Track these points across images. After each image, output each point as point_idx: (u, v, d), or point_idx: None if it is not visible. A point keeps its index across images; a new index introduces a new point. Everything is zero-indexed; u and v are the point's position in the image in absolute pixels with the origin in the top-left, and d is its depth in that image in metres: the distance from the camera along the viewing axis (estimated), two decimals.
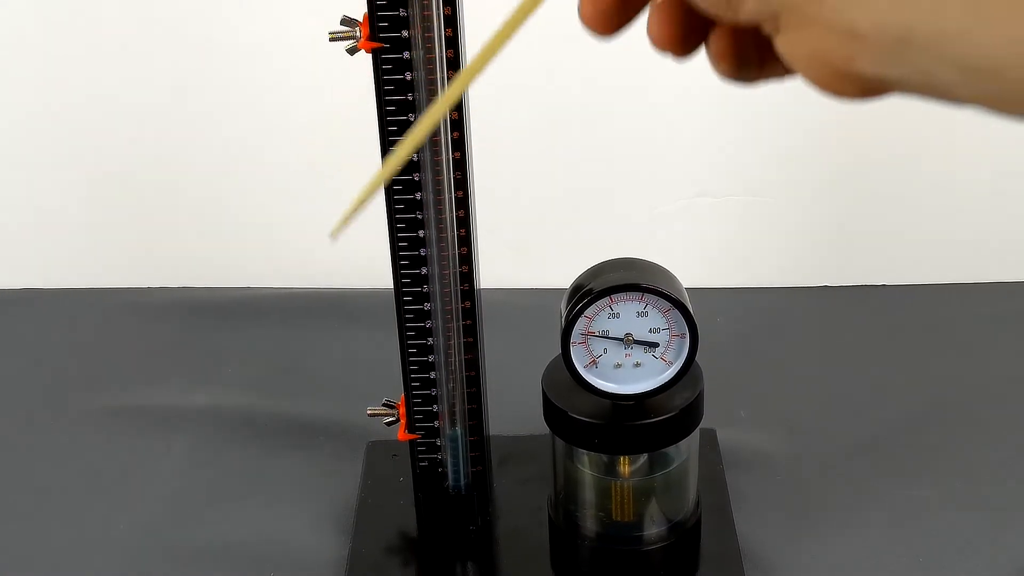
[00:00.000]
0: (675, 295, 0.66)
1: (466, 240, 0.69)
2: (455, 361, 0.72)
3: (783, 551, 0.76)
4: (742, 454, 0.83)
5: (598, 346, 0.67)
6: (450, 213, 0.68)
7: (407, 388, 0.73)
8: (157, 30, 0.97)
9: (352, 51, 0.63)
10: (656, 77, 0.92)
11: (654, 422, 0.67)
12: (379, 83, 0.64)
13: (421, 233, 0.68)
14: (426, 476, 0.76)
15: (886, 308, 1.00)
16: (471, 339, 0.71)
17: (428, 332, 0.71)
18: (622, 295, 0.66)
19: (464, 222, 0.68)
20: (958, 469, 0.82)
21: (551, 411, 0.69)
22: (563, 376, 0.67)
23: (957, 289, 1.01)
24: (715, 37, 0.37)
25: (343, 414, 0.87)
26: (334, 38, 0.63)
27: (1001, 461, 0.83)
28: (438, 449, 0.75)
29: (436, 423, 0.74)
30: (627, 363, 0.67)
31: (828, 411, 0.88)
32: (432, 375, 0.72)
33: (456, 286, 0.70)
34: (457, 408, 0.73)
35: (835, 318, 0.99)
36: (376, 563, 0.75)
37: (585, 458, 0.70)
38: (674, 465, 0.71)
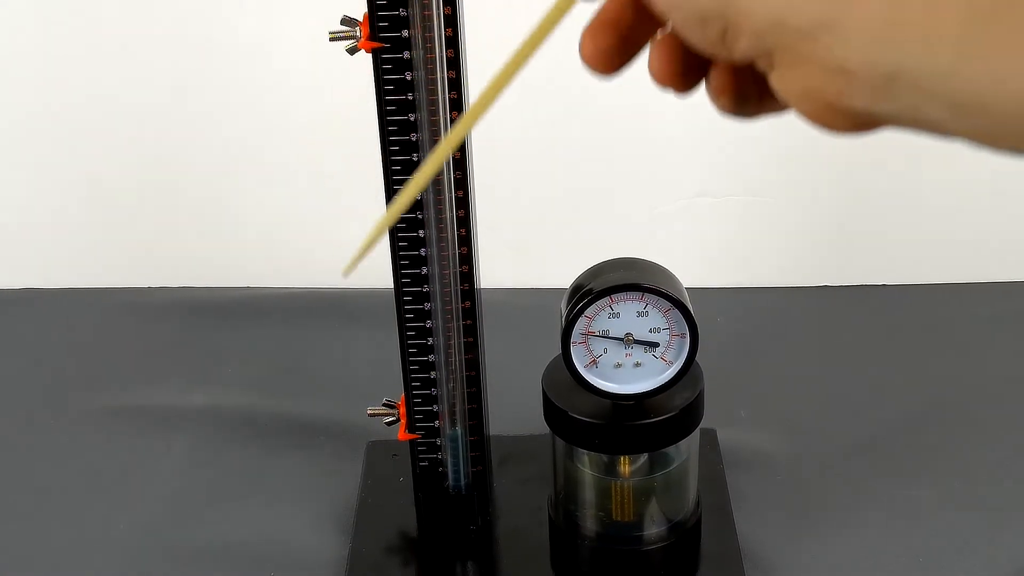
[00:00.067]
0: (675, 295, 0.66)
1: (466, 240, 0.69)
2: (455, 361, 0.72)
3: (783, 551, 0.76)
4: (742, 454, 0.83)
5: (598, 346, 0.67)
6: (450, 213, 0.68)
7: (407, 388, 0.73)
8: (157, 30, 0.97)
9: (352, 51, 0.63)
10: None
11: (654, 422, 0.67)
12: (379, 83, 0.64)
13: (421, 233, 0.68)
14: (426, 476, 0.76)
15: (886, 308, 1.00)
16: (471, 339, 0.71)
17: (428, 332, 0.71)
18: (622, 295, 0.66)
19: (464, 222, 0.68)
20: (957, 469, 0.82)
21: (551, 411, 0.69)
22: (563, 376, 0.68)
23: (956, 289, 1.01)
24: (714, 73, 0.38)
25: (343, 414, 0.87)
26: (334, 38, 0.63)
27: (1000, 461, 0.83)
28: (438, 449, 0.75)
29: (436, 423, 0.74)
30: (627, 363, 0.67)
31: (828, 411, 0.88)
32: (432, 375, 0.72)
33: (456, 286, 0.70)
34: (457, 408, 0.73)
35: (835, 318, 0.99)
36: (376, 563, 0.75)
37: (585, 458, 0.70)
38: (674, 465, 0.71)
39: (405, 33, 0.63)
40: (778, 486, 0.81)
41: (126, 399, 0.92)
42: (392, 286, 0.70)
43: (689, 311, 0.66)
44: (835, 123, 0.35)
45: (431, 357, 0.72)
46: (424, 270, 0.69)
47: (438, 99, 0.64)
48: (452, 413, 0.73)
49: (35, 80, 0.99)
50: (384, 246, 0.69)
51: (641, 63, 0.40)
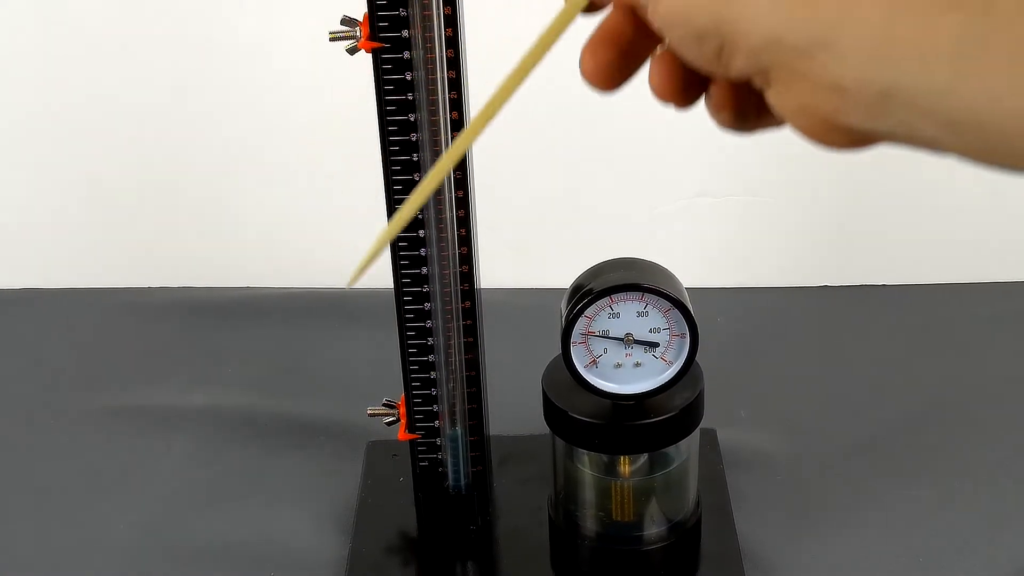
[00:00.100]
0: (675, 295, 0.66)
1: (466, 240, 0.69)
2: (455, 361, 0.72)
3: (783, 551, 0.76)
4: (742, 454, 0.83)
5: (598, 346, 0.67)
6: (450, 213, 0.68)
7: (407, 388, 0.73)
8: (157, 30, 0.97)
9: (352, 51, 0.63)
10: None
11: (654, 422, 0.67)
12: (379, 83, 0.64)
13: (421, 233, 0.68)
14: (426, 476, 0.76)
15: (886, 308, 1.00)
16: (471, 339, 0.71)
17: (428, 332, 0.71)
18: (622, 295, 0.66)
19: (464, 222, 0.68)
20: (957, 469, 0.82)
21: (551, 411, 0.69)
22: (563, 376, 0.68)
23: (956, 289, 1.01)
24: (714, 89, 0.38)
25: (343, 414, 0.87)
26: (334, 38, 0.63)
27: (1000, 461, 0.83)
28: (438, 449, 0.75)
29: (436, 423, 0.74)
30: (627, 363, 0.67)
31: (828, 411, 0.88)
32: (432, 375, 0.72)
33: (456, 286, 0.70)
34: (457, 408, 0.73)
35: (835, 318, 0.99)
36: (376, 563, 0.75)
37: (585, 458, 0.70)
38: (674, 465, 0.71)
39: (405, 33, 0.63)
40: (778, 486, 0.81)
41: (126, 399, 0.92)
42: (392, 286, 0.70)
43: (689, 311, 0.66)
44: (831, 139, 0.35)
45: (431, 357, 0.72)
46: (424, 270, 0.69)
47: (438, 99, 0.64)
48: (452, 413, 0.73)
49: (35, 80, 0.99)
50: (384, 246, 0.69)
51: (642, 72, 0.40)
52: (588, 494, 0.71)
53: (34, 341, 1.00)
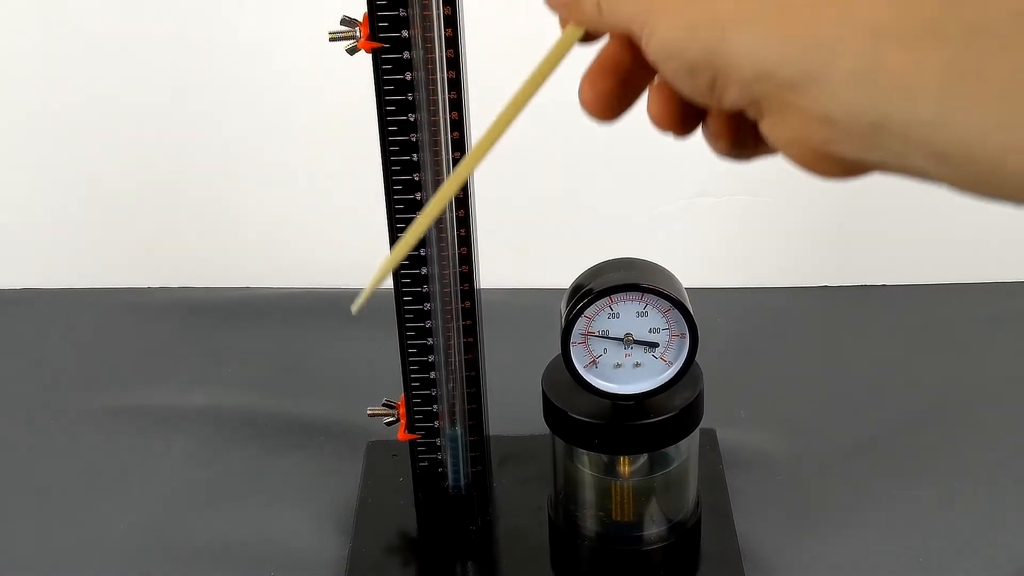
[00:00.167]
0: (675, 295, 0.66)
1: (466, 240, 0.69)
2: (455, 361, 0.72)
3: (783, 551, 0.76)
4: (742, 454, 0.83)
5: (598, 346, 0.67)
6: (450, 213, 0.68)
7: (407, 388, 0.73)
8: (157, 30, 0.97)
9: (352, 51, 0.63)
10: None
11: (654, 422, 0.67)
12: (379, 83, 0.64)
13: None
14: (426, 476, 0.76)
15: (886, 308, 1.00)
16: (471, 339, 0.71)
17: (428, 332, 0.71)
18: (622, 295, 0.66)
19: (464, 222, 0.68)
20: (957, 469, 0.82)
21: (551, 411, 0.69)
22: (563, 376, 0.68)
23: (956, 289, 1.01)
24: (711, 118, 0.39)
25: (343, 414, 0.87)
26: (334, 38, 0.63)
27: (1000, 461, 0.83)
28: (438, 449, 0.75)
29: (436, 423, 0.74)
30: (627, 363, 0.67)
31: (828, 411, 0.88)
32: (432, 375, 0.72)
33: (456, 286, 0.70)
34: (457, 408, 0.73)
35: (835, 318, 0.99)
36: (376, 563, 0.75)
37: (585, 458, 0.70)
38: (674, 465, 0.71)
39: (405, 33, 0.63)
40: (778, 486, 0.81)
41: (126, 399, 0.92)
42: (392, 286, 0.70)
43: (689, 311, 0.66)
44: (824, 169, 0.36)
45: (431, 357, 0.72)
46: (424, 270, 0.69)
47: (438, 99, 0.64)
48: (452, 413, 0.73)
49: (35, 80, 0.99)
50: (384, 246, 0.69)
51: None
52: (588, 494, 0.71)
53: (34, 341, 1.00)
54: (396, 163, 0.66)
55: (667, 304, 0.66)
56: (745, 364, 0.92)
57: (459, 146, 0.66)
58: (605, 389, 0.67)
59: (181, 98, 0.99)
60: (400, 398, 0.74)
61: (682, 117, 0.39)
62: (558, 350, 0.67)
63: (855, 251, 1.03)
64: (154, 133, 1.01)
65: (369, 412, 0.75)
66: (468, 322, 0.71)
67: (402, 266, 0.69)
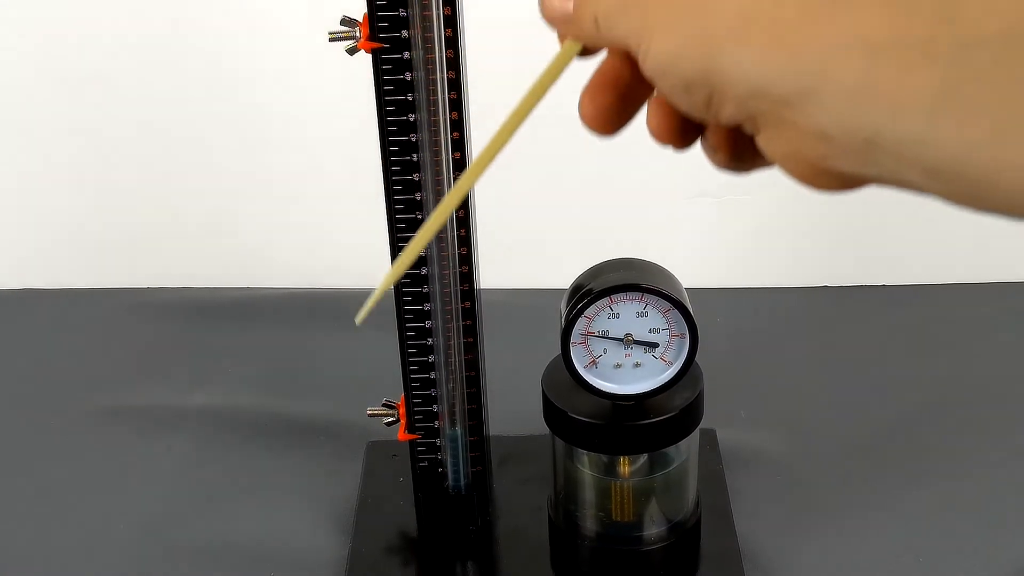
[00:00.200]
0: (675, 295, 0.66)
1: (466, 240, 0.69)
2: (455, 361, 0.72)
3: (783, 551, 0.76)
4: (742, 454, 0.83)
5: (598, 346, 0.67)
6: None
7: (407, 388, 0.73)
8: (157, 31, 0.97)
9: (352, 51, 0.63)
10: None
11: (654, 422, 0.67)
12: (379, 83, 0.64)
13: None
14: (426, 476, 0.76)
15: (886, 308, 1.00)
16: (471, 339, 0.71)
17: (428, 332, 0.71)
18: (622, 295, 0.66)
19: (464, 222, 0.68)
20: (957, 469, 0.82)
21: (551, 411, 0.69)
22: (563, 376, 0.68)
23: (957, 289, 1.01)
24: (709, 132, 0.39)
25: (343, 414, 0.87)
26: (334, 38, 0.63)
27: (1000, 461, 0.83)
28: (438, 449, 0.75)
29: (436, 423, 0.74)
30: (627, 363, 0.67)
31: (828, 411, 0.88)
32: (432, 375, 0.72)
33: (456, 286, 0.70)
34: (457, 408, 0.73)
35: (835, 318, 0.99)
36: (376, 563, 0.75)
37: (585, 458, 0.70)
38: (674, 465, 0.71)
39: (405, 33, 0.63)
40: (778, 486, 0.81)
41: (126, 399, 0.92)
42: (392, 286, 0.70)
43: (689, 311, 0.66)
44: (820, 183, 0.36)
45: (431, 357, 0.72)
46: (424, 270, 0.69)
47: (438, 99, 0.64)
48: (452, 413, 0.73)
49: (35, 80, 0.99)
50: (384, 246, 0.69)
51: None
52: (588, 494, 0.71)
53: (34, 341, 1.00)
54: (396, 163, 0.66)
55: (667, 304, 0.66)
56: (745, 364, 0.92)
57: (459, 146, 0.66)
58: (605, 389, 0.67)
59: (181, 98, 0.99)
60: (400, 398, 0.74)
61: (681, 131, 0.40)
62: (558, 350, 0.67)
63: (855, 251, 1.03)
64: (154, 133, 1.00)
65: (369, 412, 0.75)
66: (468, 322, 0.71)
67: None
